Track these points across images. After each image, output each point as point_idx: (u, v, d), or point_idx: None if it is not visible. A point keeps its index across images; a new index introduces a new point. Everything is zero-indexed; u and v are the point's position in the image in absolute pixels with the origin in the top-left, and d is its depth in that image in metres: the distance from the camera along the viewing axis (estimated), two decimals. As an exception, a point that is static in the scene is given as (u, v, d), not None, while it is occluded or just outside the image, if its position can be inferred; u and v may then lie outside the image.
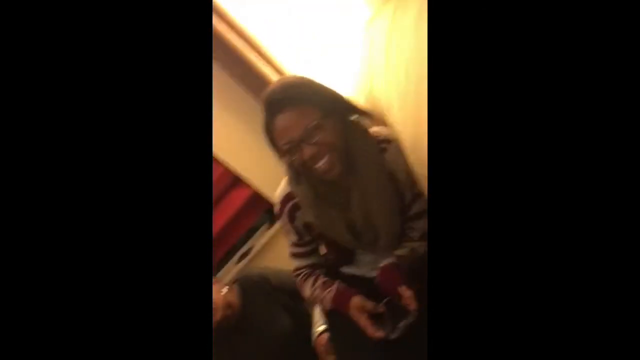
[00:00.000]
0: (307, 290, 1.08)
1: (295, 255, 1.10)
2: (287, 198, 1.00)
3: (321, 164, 0.85)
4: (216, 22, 1.30)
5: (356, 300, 0.96)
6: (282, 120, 0.84)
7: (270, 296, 1.42)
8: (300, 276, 1.10)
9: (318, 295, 1.05)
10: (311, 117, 0.83)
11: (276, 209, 1.03)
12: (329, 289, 1.03)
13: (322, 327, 1.29)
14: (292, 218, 1.01)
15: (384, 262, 0.99)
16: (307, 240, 1.06)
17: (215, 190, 1.71)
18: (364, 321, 0.93)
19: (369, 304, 0.94)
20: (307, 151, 0.83)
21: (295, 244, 1.07)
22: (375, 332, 0.90)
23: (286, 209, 1.01)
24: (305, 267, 1.10)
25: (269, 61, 1.43)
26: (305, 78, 0.90)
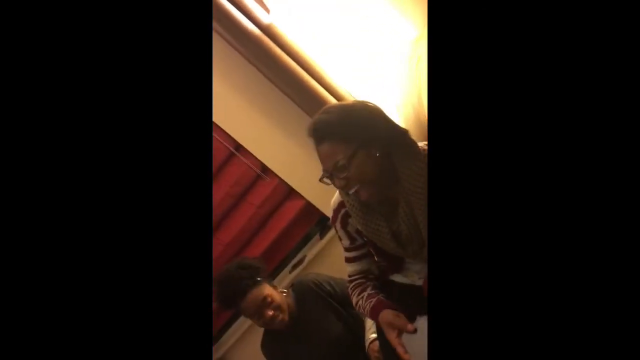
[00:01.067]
0: (354, 300, 1.13)
1: (348, 260, 1.15)
2: (340, 206, 1.06)
3: (352, 192, 0.92)
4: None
5: (384, 315, 0.97)
6: (321, 150, 0.94)
7: (323, 302, 1.46)
8: (353, 284, 1.14)
9: (361, 306, 1.09)
10: (342, 154, 0.90)
11: (331, 215, 1.10)
12: (370, 301, 1.06)
13: (374, 335, 1.31)
14: (344, 224, 1.08)
15: None
16: (359, 244, 1.11)
17: (270, 202, 1.81)
18: (393, 339, 0.92)
19: (399, 321, 0.93)
20: (337, 183, 0.93)
21: (348, 249, 1.13)
22: (405, 354, 0.87)
23: (339, 216, 1.07)
24: (358, 273, 1.14)
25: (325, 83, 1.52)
26: (351, 107, 0.97)
